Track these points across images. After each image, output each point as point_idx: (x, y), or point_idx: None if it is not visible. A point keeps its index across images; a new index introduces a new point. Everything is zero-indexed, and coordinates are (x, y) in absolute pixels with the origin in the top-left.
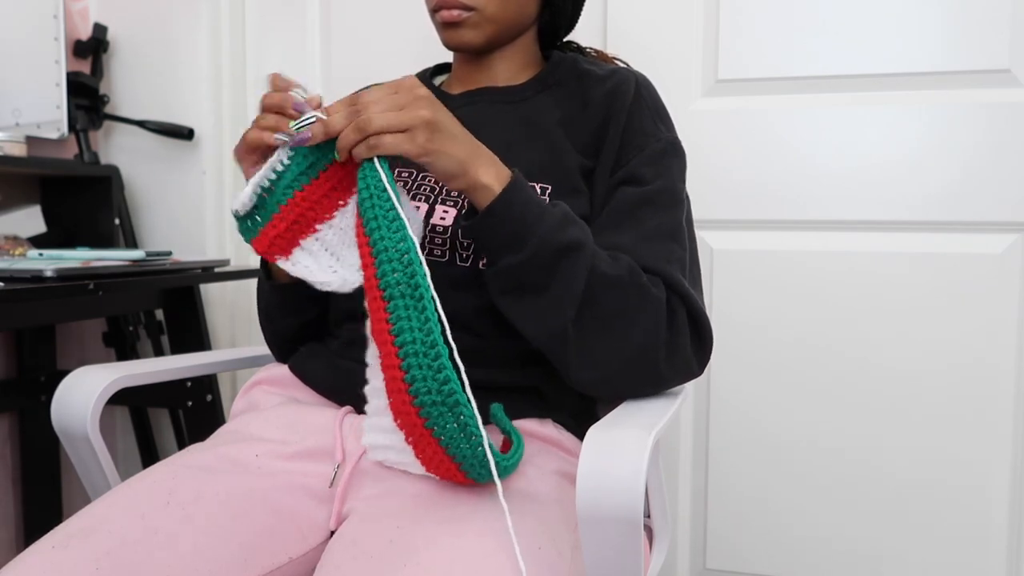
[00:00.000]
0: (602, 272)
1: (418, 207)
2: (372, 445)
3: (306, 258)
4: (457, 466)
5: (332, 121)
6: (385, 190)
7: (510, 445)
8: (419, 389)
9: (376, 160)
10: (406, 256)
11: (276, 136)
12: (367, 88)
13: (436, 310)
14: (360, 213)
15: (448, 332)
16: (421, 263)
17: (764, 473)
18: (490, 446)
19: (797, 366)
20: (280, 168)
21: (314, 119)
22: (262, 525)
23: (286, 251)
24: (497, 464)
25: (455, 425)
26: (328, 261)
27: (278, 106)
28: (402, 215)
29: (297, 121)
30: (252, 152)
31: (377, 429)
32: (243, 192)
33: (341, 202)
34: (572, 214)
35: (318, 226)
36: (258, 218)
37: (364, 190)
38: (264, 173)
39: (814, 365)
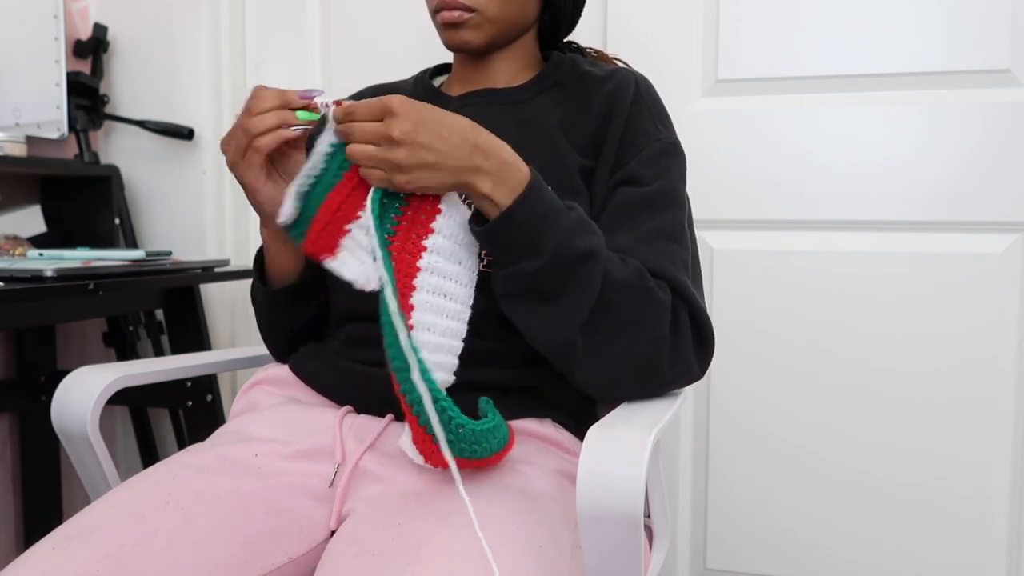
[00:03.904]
0: (614, 277)
1: None
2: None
3: (349, 258)
4: (430, 437)
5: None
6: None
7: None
8: (391, 355)
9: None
10: (371, 229)
11: (292, 128)
12: (368, 90)
13: (392, 283)
14: None
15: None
16: (383, 236)
17: (764, 473)
18: (454, 408)
19: (797, 366)
20: (329, 151)
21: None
22: (262, 525)
23: (331, 250)
24: (463, 426)
25: (419, 394)
26: (367, 258)
27: (277, 104)
28: (368, 208)
29: (303, 112)
30: (257, 162)
31: None
32: (285, 203)
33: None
34: (587, 219)
35: (347, 226)
36: (303, 220)
37: None
38: (307, 173)
39: (814, 365)
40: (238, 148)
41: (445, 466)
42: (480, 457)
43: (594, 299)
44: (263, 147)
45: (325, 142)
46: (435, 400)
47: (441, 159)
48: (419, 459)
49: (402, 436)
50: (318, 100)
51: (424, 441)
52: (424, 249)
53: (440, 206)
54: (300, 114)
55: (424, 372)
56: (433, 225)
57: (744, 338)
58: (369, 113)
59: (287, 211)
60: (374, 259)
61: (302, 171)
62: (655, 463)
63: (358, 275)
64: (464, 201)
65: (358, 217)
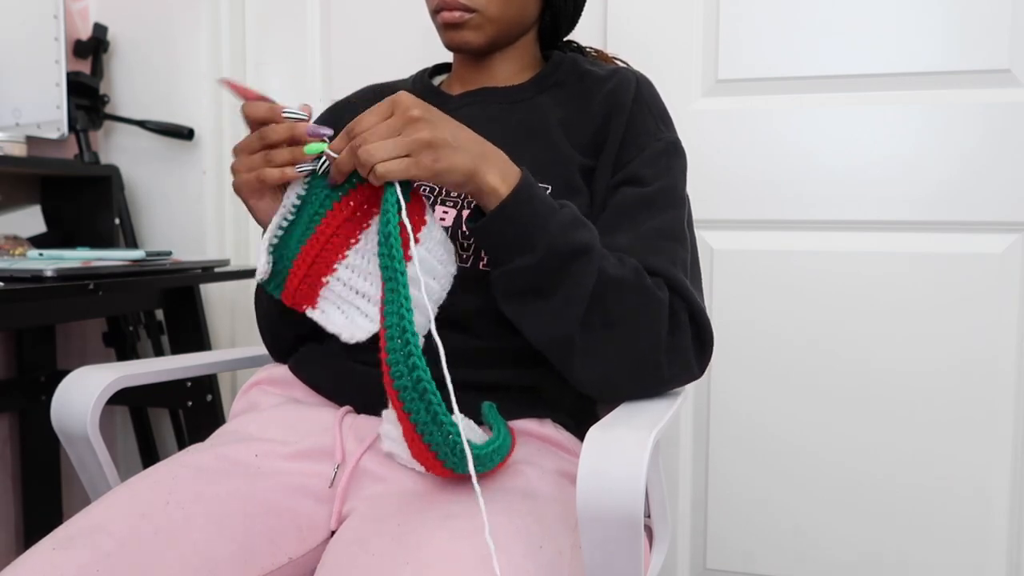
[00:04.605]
0: (609, 275)
1: None
2: (384, 434)
3: (332, 310)
4: (434, 455)
5: (340, 162)
6: (396, 202)
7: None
8: (394, 373)
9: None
10: (389, 239)
11: (298, 168)
12: (366, 90)
13: (407, 298)
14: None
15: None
16: (398, 247)
17: (764, 473)
18: (459, 433)
19: (797, 366)
20: (297, 203)
21: (326, 159)
22: (262, 525)
23: (311, 302)
24: (469, 452)
25: (425, 412)
26: (349, 310)
27: (288, 138)
28: (397, 210)
29: (311, 146)
30: (263, 189)
31: (388, 419)
32: (260, 259)
33: (352, 239)
34: (581, 216)
35: (325, 278)
36: (277, 272)
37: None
38: (277, 224)
39: (814, 365)
40: (251, 171)
41: (445, 474)
42: (483, 472)
43: (588, 295)
44: (271, 180)
45: (292, 194)
46: (448, 434)
47: (459, 142)
48: (419, 467)
49: (384, 441)
50: (321, 132)
51: (425, 456)
52: (409, 259)
53: (425, 218)
54: (307, 148)
55: (440, 403)
56: (419, 236)
57: (744, 338)
58: (379, 114)
59: (262, 268)
60: (397, 272)
61: (271, 223)
62: (655, 463)
63: (342, 328)
64: (465, 200)
65: (334, 270)
